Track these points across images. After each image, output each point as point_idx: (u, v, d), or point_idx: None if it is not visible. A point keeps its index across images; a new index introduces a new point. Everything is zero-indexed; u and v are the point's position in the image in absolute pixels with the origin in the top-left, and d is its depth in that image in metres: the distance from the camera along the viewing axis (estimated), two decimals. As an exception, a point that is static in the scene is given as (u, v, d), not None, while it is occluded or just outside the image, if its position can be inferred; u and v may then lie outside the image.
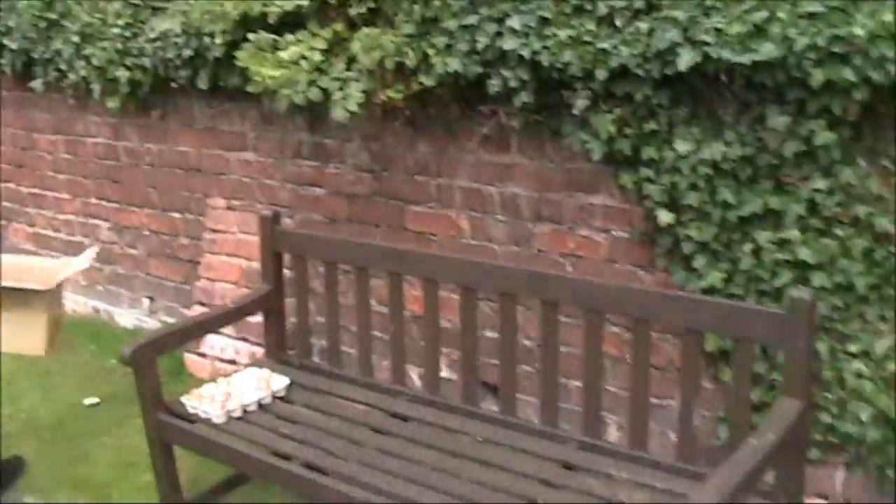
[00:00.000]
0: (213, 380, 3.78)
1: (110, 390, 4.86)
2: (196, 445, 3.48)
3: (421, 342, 3.67)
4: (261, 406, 3.56)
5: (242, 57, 4.01)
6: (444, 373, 3.84)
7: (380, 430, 3.37)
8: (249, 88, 4.05)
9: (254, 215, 4.84)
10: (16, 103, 6.26)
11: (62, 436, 4.44)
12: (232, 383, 3.62)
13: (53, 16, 5.38)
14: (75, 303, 5.98)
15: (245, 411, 3.50)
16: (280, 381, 3.68)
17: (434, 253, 3.78)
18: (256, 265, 4.80)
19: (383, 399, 3.58)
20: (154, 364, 3.47)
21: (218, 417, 3.44)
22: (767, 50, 2.95)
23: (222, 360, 4.94)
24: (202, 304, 5.07)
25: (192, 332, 3.93)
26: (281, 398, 3.64)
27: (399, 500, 2.90)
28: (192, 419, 3.49)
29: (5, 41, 5.70)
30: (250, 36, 4.05)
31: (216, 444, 3.37)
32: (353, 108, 3.83)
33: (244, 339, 4.83)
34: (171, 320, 5.54)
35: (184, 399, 3.55)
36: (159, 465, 3.56)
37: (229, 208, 4.98)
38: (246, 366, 3.97)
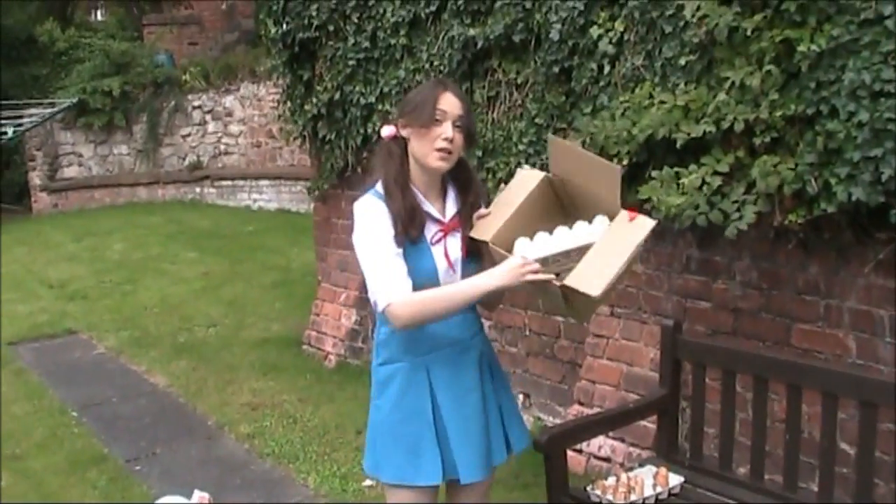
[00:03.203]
0: (586, 475, 4.08)
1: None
2: (598, 530, 3.82)
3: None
4: (658, 501, 3.86)
5: (646, 190, 4.37)
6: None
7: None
8: (654, 215, 4.39)
9: (637, 323, 5.20)
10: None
11: None
12: (632, 477, 3.93)
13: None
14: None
15: (643, 502, 3.80)
16: (674, 479, 3.96)
17: (833, 368, 3.98)
18: (637, 370, 5.16)
19: (776, 504, 3.80)
20: (563, 453, 3.83)
21: (620, 506, 3.76)
22: None
23: (597, 458, 5.27)
24: (581, 403, 5.43)
25: (597, 427, 4.26)
26: (675, 495, 3.92)
27: None
28: (595, 506, 3.83)
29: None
30: (654, 174, 4.41)
31: (618, 530, 3.69)
32: (744, 227, 4.12)
33: (621, 440, 5.14)
34: (545, 417, 5.94)
35: (588, 488, 3.89)
36: (558, 545, 3.90)
37: (613, 315, 5.35)
38: (641, 463, 4.27)
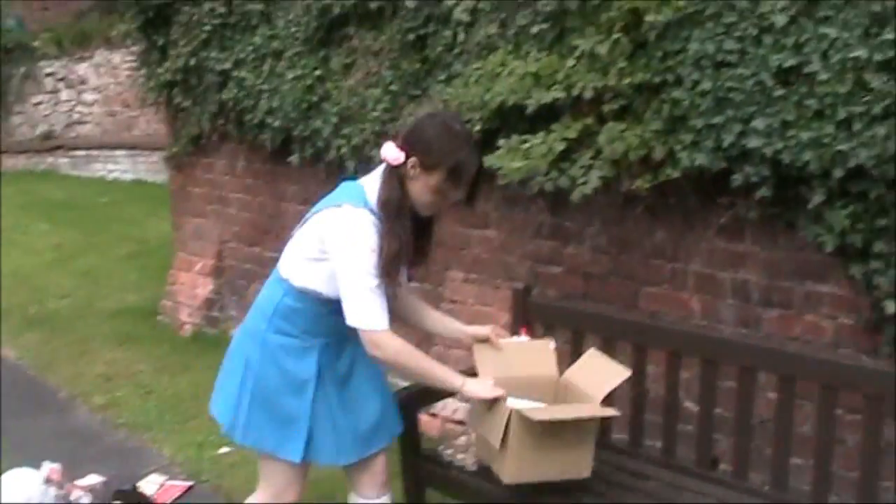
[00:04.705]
0: (442, 438, 4.13)
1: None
2: (450, 489, 3.89)
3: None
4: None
5: (491, 159, 4.41)
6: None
7: (620, 484, 3.68)
8: (500, 181, 4.47)
9: (490, 288, 5.28)
10: (268, 175, 6.90)
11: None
12: (483, 436, 4.00)
13: (315, 98, 5.97)
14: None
15: (495, 461, 3.88)
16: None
17: (677, 327, 4.13)
18: (490, 334, 5.22)
19: (621, 459, 3.90)
20: (415, 415, 3.88)
21: (472, 465, 3.82)
22: None
23: (452, 422, 5.34)
24: (437, 367, 5.48)
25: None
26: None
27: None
28: (447, 466, 3.88)
29: (268, 120, 6.32)
30: (501, 142, 4.48)
31: (469, 488, 3.75)
32: (588, 191, 4.23)
33: (475, 402, 5.21)
34: (399, 381, 5.97)
35: (441, 449, 3.96)
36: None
37: (467, 281, 5.42)
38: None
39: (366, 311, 3.16)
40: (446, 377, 3.35)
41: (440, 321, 3.73)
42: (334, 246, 3.19)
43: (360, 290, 3.14)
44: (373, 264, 3.14)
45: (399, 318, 3.55)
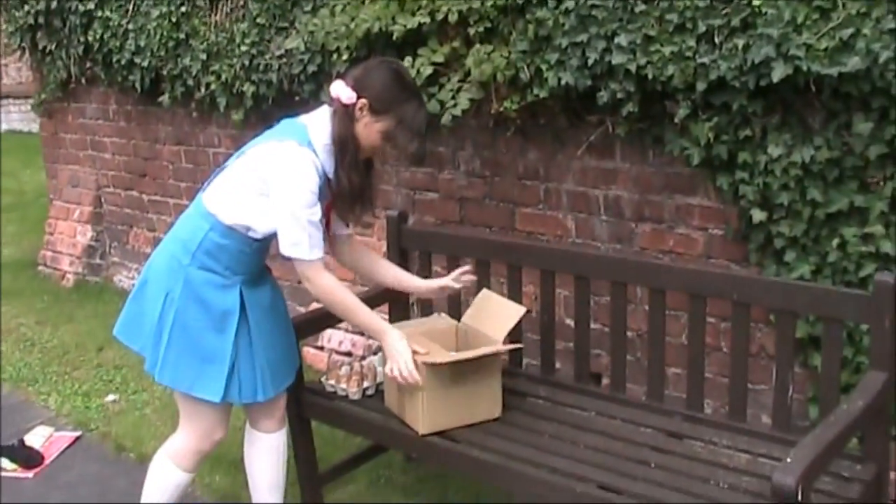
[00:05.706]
0: (329, 370, 4.13)
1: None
2: (334, 419, 3.90)
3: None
4: (390, 384, 3.96)
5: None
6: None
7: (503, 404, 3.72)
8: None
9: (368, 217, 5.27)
10: (140, 117, 6.78)
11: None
12: (365, 365, 4.01)
13: (182, 36, 5.85)
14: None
15: (377, 389, 3.89)
16: (407, 363, 4.07)
17: (550, 246, 4.18)
18: (372, 264, 5.22)
19: (502, 379, 3.93)
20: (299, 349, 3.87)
21: (354, 394, 3.84)
22: (853, 63, 3.26)
23: (339, 353, 5.35)
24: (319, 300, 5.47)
25: (328, 319, 4.21)
26: (408, 378, 4.03)
27: (523, 463, 3.25)
28: (330, 397, 3.89)
29: (136, 59, 6.19)
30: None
31: (353, 417, 3.78)
32: (458, 112, 4.24)
33: (360, 333, 5.22)
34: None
35: (323, 379, 3.96)
36: (298, 439, 3.93)
37: (345, 211, 5.39)
38: (375, 351, 4.35)
39: (302, 241, 3.16)
40: (370, 323, 3.41)
41: (391, 272, 3.76)
42: (275, 179, 3.17)
43: (297, 221, 3.14)
44: (310, 202, 3.15)
45: (348, 268, 3.72)
